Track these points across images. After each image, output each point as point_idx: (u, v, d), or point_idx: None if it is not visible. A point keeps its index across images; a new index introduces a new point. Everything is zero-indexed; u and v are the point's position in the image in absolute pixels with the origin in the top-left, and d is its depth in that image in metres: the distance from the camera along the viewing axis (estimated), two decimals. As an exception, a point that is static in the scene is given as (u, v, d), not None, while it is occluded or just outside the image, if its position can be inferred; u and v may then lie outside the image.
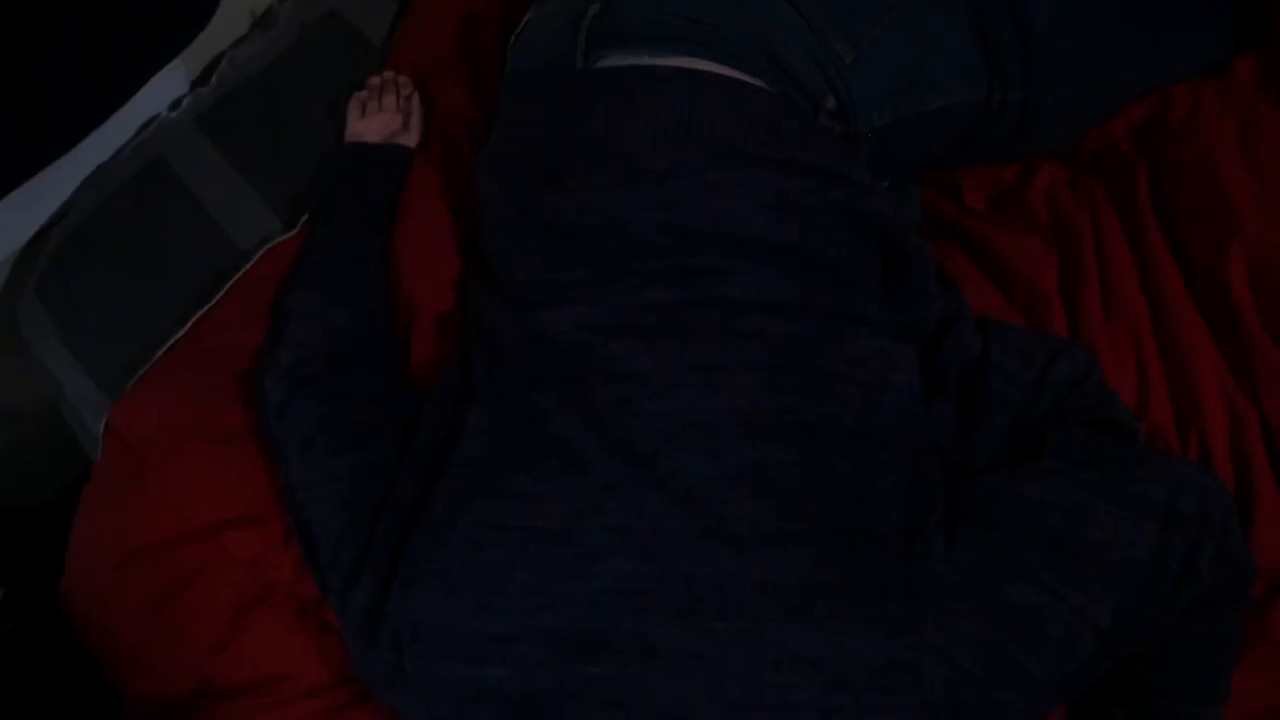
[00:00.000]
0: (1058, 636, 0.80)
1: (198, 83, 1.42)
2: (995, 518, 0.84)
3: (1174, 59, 1.13)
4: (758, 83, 0.98)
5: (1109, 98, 1.14)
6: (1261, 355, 0.95)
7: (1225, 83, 1.06)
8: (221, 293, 1.21)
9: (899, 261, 0.99)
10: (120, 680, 1.11)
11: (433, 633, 0.85)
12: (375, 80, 1.30)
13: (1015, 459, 0.93)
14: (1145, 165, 1.05)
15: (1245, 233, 0.97)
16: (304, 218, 1.26)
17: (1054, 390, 0.95)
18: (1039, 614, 0.80)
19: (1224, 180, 0.99)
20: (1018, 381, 0.96)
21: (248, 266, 1.22)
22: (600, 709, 0.80)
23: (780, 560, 0.82)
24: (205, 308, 1.20)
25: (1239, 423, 0.94)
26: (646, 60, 0.99)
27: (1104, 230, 1.04)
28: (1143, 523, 0.82)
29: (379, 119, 1.27)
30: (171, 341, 1.19)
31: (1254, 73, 1.06)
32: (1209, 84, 1.07)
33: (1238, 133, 1.01)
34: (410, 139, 1.27)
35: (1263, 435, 0.93)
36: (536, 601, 0.83)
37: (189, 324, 1.19)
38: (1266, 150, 1.00)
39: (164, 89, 1.39)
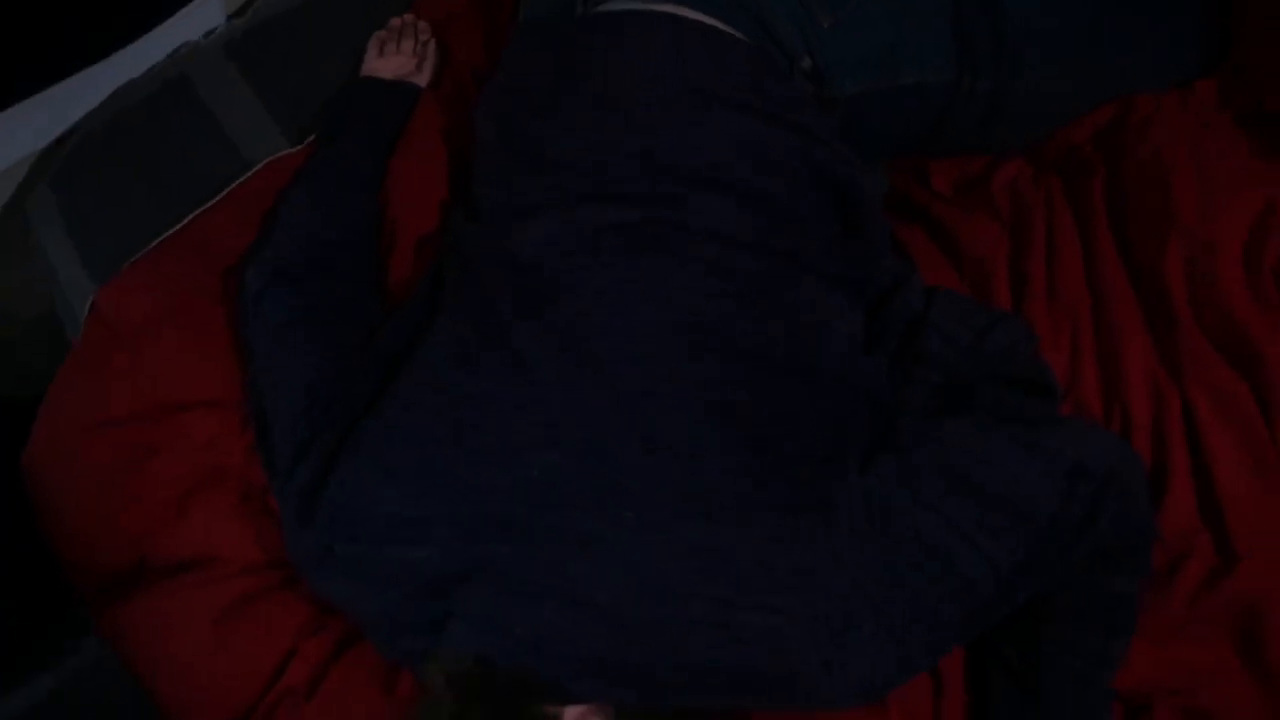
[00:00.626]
0: (961, 573, 0.82)
1: (234, 17, 1.49)
2: (913, 456, 0.87)
3: (1164, 46, 1.14)
4: (738, 34, 1.03)
5: (1103, 81, 1.16)
6: (1190, 344, 0.98)
7: (1187, 94, 1.11)
8: (220, 196, 1.25)
9: (858, 224, 1.03)
10: (67, 551, 1.13)
11: (362, 515, 0.89)
12: (396, 22, 1.35)
13: (943, 413, 0.96)
14: (1104, 165, 1.10)
15: (1184, 231, 1.01)
16: (309, 139, 1.31)
17: (989, 354, 0.98)
18: (944, 548, 0.82)
19: (1172, 186, 1.03)
20: (955, 343, 0.99)
21: (248, 175, 1.26)
22: (503, 584, 0.83)
23: (697, 464, 0.85)
24: (202, 208, 1.24)
25: (1161, 403, 0.97)
26: (639, 6, 1.05)
27: (1056, 221, 1.08)
28: (1052, 472, 0.85)
29: (395, 60, 1.32)
30: (165, 235, 1.23)
31: (1215, 91, 1.11)
32: (1171, 94, 1.12)
33: (1189, 141, 1.06)
34: (421, 81, 1.32)
35: (1183, 416, 0.96)
36: (461, 487, 0.86)
37: (185, 221, 1.23)
38: (1212, 161, 1.04)
39: (199, 20, 1.44)
